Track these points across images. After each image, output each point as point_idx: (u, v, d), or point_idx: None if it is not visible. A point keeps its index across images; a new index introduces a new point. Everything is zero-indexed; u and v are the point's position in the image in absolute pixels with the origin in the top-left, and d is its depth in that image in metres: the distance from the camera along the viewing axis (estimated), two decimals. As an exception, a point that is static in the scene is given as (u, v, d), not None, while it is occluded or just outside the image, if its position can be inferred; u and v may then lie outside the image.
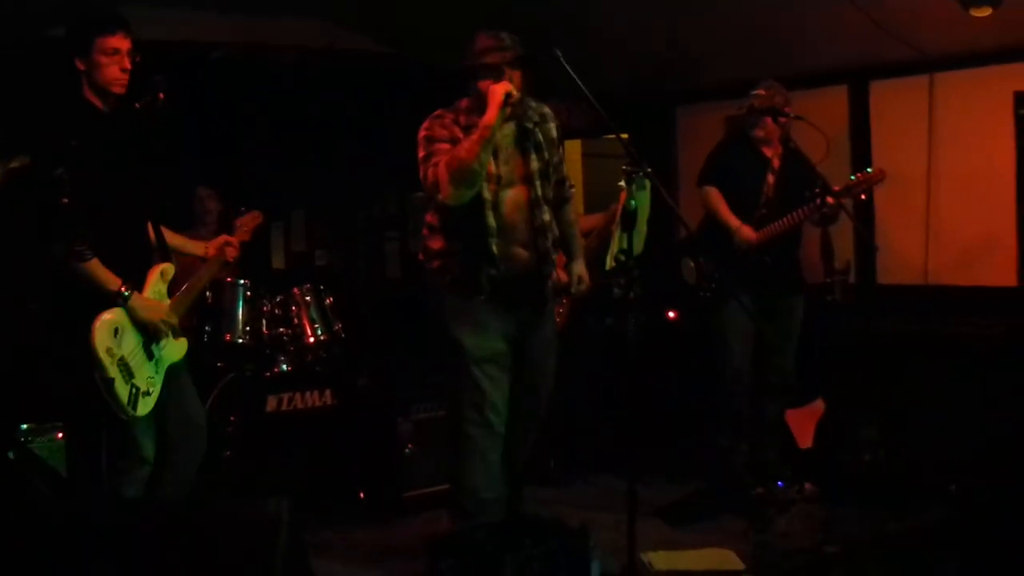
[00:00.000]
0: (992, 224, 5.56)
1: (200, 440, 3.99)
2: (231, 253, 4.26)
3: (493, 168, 4.01)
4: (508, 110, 3.88)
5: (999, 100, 5.52)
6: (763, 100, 5.11)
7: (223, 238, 4.30)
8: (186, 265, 4.22)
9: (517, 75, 4.00)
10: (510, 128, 4.12)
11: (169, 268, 3.95)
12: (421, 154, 4.05)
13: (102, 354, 3.59)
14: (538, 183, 4.12)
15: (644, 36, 5.98)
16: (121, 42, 3.70)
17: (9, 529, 3.23)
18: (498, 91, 3.84)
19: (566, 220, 4.36)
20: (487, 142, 3.85)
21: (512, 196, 4.07)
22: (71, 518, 3.28)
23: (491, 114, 3.83)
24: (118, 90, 3.73)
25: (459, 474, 4.19)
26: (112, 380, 3.59)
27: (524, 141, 4.14)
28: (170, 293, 3.95)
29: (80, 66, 3.70)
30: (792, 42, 5.72)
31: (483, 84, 3.96)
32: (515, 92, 3.87)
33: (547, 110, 4.26)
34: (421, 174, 4.04)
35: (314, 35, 6.46)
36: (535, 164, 4.13)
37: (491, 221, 4.01)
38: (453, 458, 4.25)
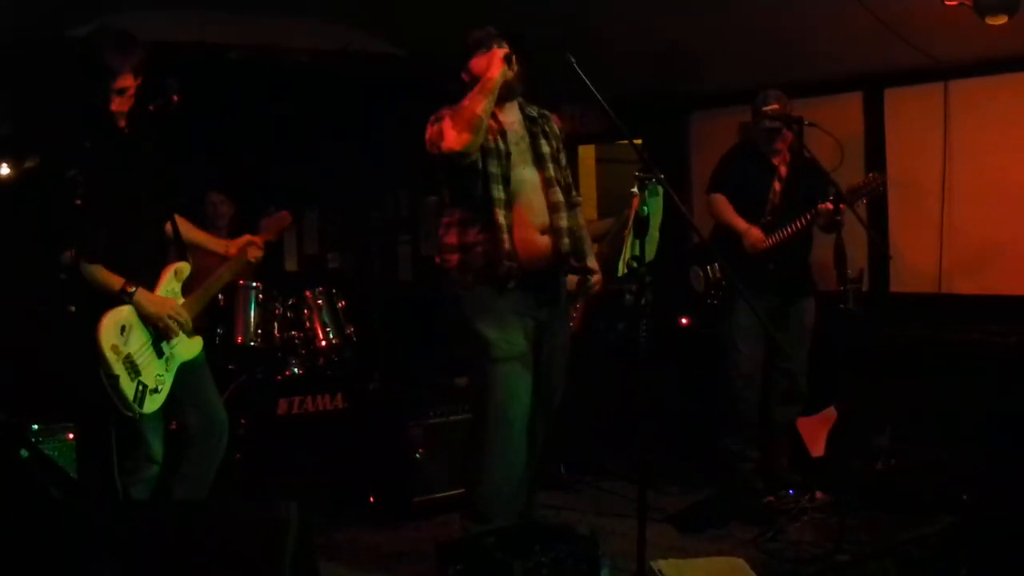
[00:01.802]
0: (1007, 233, 5.53)
1: (220, 436, 4.00)
2: (254, 253, 4.21)
3: (502, 145, 4.06)
4: (509, 73, 3.98)
5: (1014, 108, 5.49)
6: (776, 111, 5.10)
7: (246, 237, 4.24)
8: (204, 264, 4.21)
9: (506, 45, 4.11)
10: (516, 113, 4.20)
11: (184, 267, 3.96)
12: (428, 128, 4.08)
13: (107, 351, 3.61)
14: (550, 165, 4.20)
15: (647, 41, 5.96)
16: (126, 81, 3.72)
17: (19, 530, 3.23)
18: (499, 51, 4.00)
19: (575, 223, 4.36)
20: (490, 93, 3.95)
21: (525, 176, 4.12)
22: (79, 519, 3.28)
23: (494, 69, 3.97)
24: (120, 120, 3.77)
25: (476, 476, 4.15)
26: (117, 377, 3.61)
27: (532, 125, 4.23)
28: (186, 291, 3.96)
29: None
30: (805, 49, 5.70)
31: (475, 59, 4.11)
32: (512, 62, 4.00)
33: (547, 112, 4.34)
34: (426, 136, 4.06)
35: (327, 37, 6.47)
36: (545, 148, 4.21)
37: (499, 194, 4.03)
38: (471, 460, 4.19)
